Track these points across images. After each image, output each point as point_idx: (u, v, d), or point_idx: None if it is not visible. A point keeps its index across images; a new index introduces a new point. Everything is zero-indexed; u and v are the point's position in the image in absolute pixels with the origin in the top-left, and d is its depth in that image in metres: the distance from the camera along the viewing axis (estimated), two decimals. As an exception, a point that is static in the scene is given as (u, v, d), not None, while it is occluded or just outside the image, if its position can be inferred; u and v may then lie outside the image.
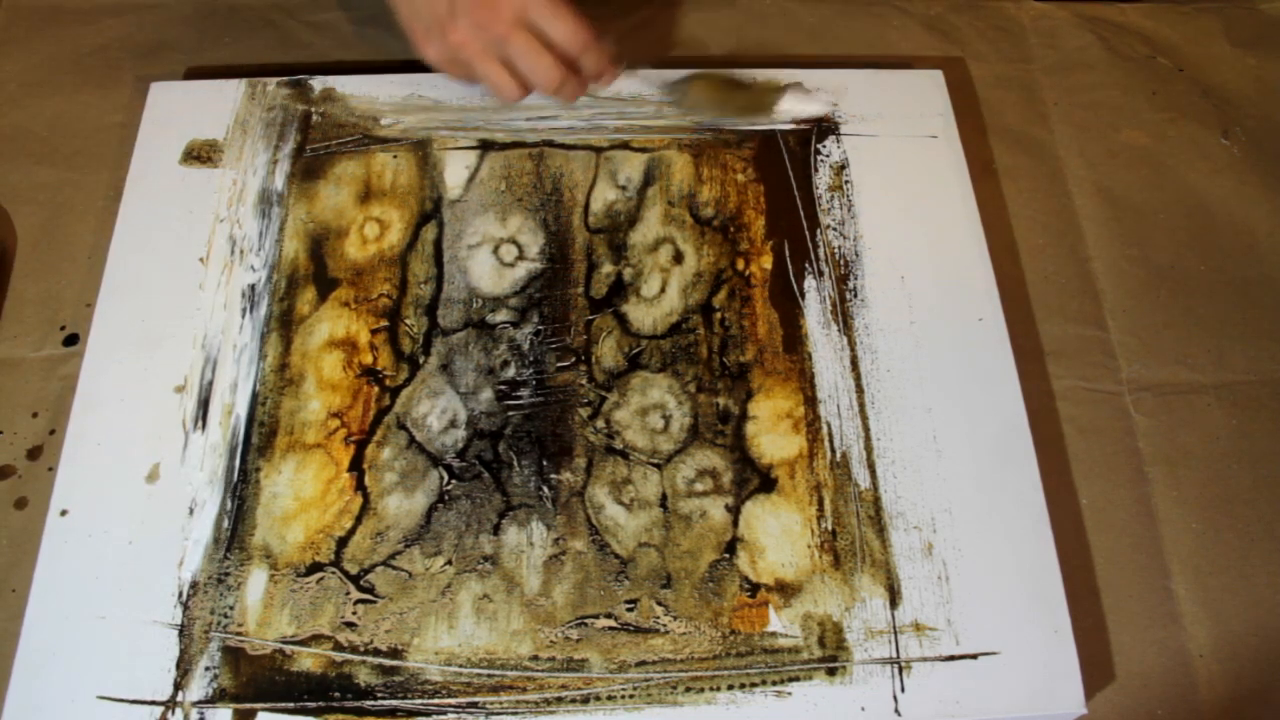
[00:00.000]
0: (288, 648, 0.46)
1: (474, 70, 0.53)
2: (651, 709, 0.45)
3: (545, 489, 0.51)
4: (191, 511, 0.49)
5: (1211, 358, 0.59)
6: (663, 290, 0.56)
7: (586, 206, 0.59)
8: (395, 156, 0.60)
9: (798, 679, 0.46)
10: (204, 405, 0.52)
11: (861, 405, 0.53)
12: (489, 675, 0.46)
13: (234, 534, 0.49)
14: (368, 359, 0.54)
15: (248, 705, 0.45)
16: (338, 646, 0.46)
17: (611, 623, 0.47)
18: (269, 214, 0.57)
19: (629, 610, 0.48)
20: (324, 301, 0.55)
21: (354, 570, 0.48)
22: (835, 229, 0.58)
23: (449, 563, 0.48)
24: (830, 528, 0.50)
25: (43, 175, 0.61)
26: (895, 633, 0.47)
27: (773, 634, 0.47)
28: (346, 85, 0.62)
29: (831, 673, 0.46)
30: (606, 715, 0.45)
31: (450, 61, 0.54)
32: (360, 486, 0.50)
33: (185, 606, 0.47)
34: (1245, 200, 0.64)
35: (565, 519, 0.50)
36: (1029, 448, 0.52)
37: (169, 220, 0.57)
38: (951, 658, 0.47)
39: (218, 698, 0.45)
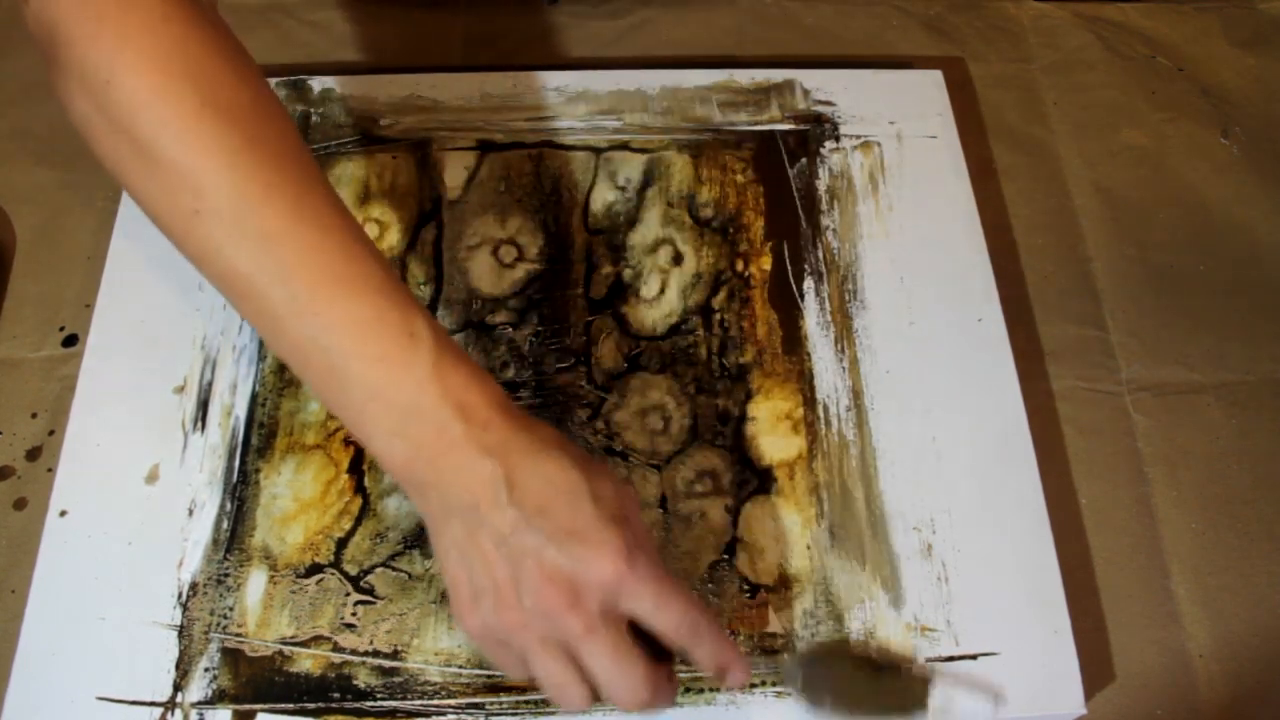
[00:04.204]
0: (287, 649, 0.46)
1: (525, 661, 0.38)
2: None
3: (545, 490, 0.50)
4: (191, 512, 0.49)
5: (1211, 358, 0.59)
6: (662, 291, 0.56)
7: (586, 207, 0.59)
8: (394, 157, 0.60)
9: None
10: (203, 406, 0.52)
11: (861, 406, 0.53)
12: (489, 676, 0.46)
13: (233, 535, 0.49)
14: (367, 360, 0.53)
15: (247, 706, 0.45)
16: (337, 648, 0.46)
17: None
18: (268, 214, 0.57)
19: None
20: (323, 302, 0.55)
21: (353, 571, 0.48)
22: (834, 229, 0.58)
23: (448, 563, 0.48)
24: (829, 528, 0.50)
25: (43, 175, 0.61)
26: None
27: (772, 635, 0.47)
28: (345, 85, 0.62)
29: None
30: (606, 715, 0.45)
31: (495, 643, 0.38)
32: (360, 488, 0.50)
33: (185, 607, 0.47)
34: (1245, 200, 0.64)
35: (565, 520, 0.50)
36: (1029, 448, 0.52)
37: (168, 221, 0.57)
38: (951, 658, 0.47)
39: (217, 699, 0.45)
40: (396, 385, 0.36)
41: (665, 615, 0.36)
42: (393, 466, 0.38)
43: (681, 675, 0.46)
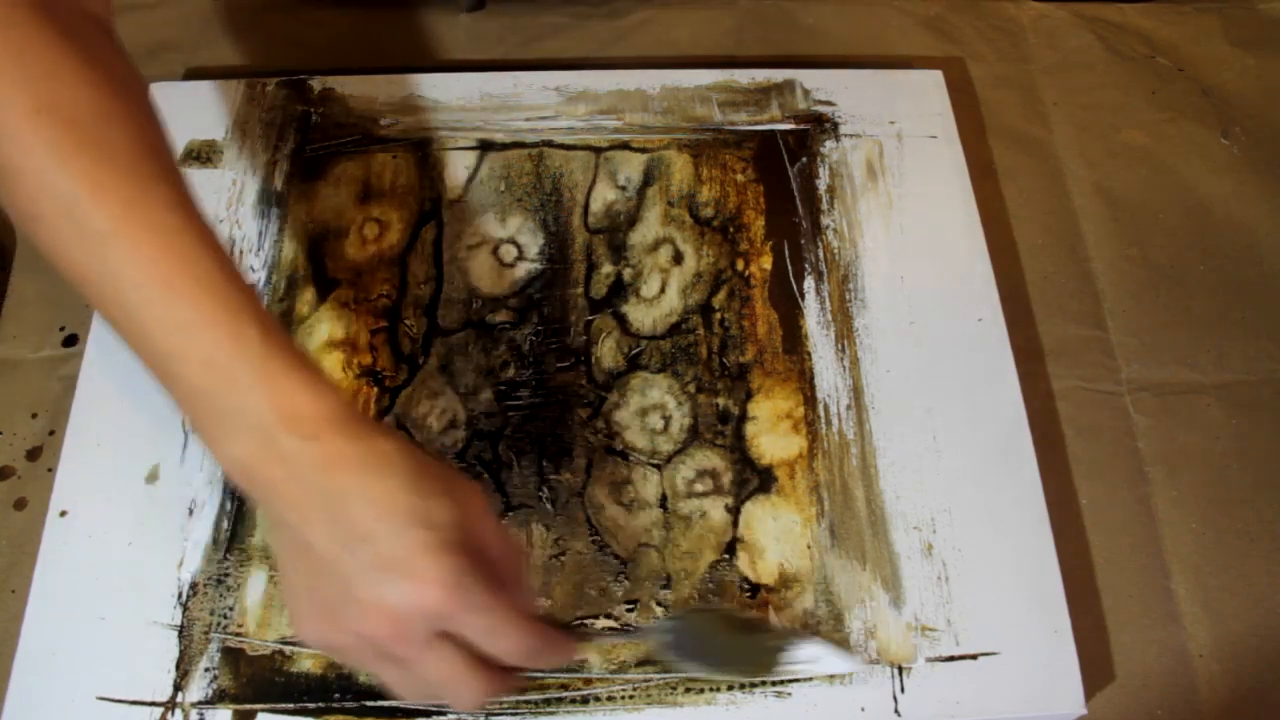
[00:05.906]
0: (287, 648, 0.46)
1: (364, 668, 0.41)
2: (651, 709, 0.45)
3: (545, 489, 0.51)
4: (191, 512, 0.49)
5: (1211, 358, 0.59)
6: (662, 291, 0.56)
7: (586, 207, 0.59)
8: (395, 157, 0.60)
9: (797, 679, 0.46)
10: (203, 406, 0.51)
11: (861, 405, 0.53)
12: (489, 676, 0.46)
13: (234, 535, 0.49)
14: (367, 359, 0.54)
15: (247, 706, 0.45)
16: (337, 647, 0.46)
17: (611, 623, 0.47)
18: (268, 214, 0.57)
19: (629, 611, 0.48)
20: (323, 302, 0.55)
21: (354, 571, 0.48)
22: (835, 229, 0.58)
23: (449, 563, 0.48)
24: (830, 528, 0.50)
25: (42, 176, 0.61)
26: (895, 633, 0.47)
27: (772, 634, 0.47)
28: (346, 85, 0.62)
29: (831, 674, 0.46)
30: (606, 715, 0.45)
31: (332, 650, 0.38)
32: (360, 487, 0.50)
33: (185, 607, 0.47)
34: (1245, 200, 0.64)
35: (565, 519, 0.50)
36: (1029, 448, 0.52)
37: (168, 221, 0.57)
38: (951, 658, 0.47)
39: (217, 698, 0.45)
40: (221, 391, 0.34)
41: (498, 644, 0.35)
42: (229, 473, 0.36)
43: (680, 675, 0.46)
